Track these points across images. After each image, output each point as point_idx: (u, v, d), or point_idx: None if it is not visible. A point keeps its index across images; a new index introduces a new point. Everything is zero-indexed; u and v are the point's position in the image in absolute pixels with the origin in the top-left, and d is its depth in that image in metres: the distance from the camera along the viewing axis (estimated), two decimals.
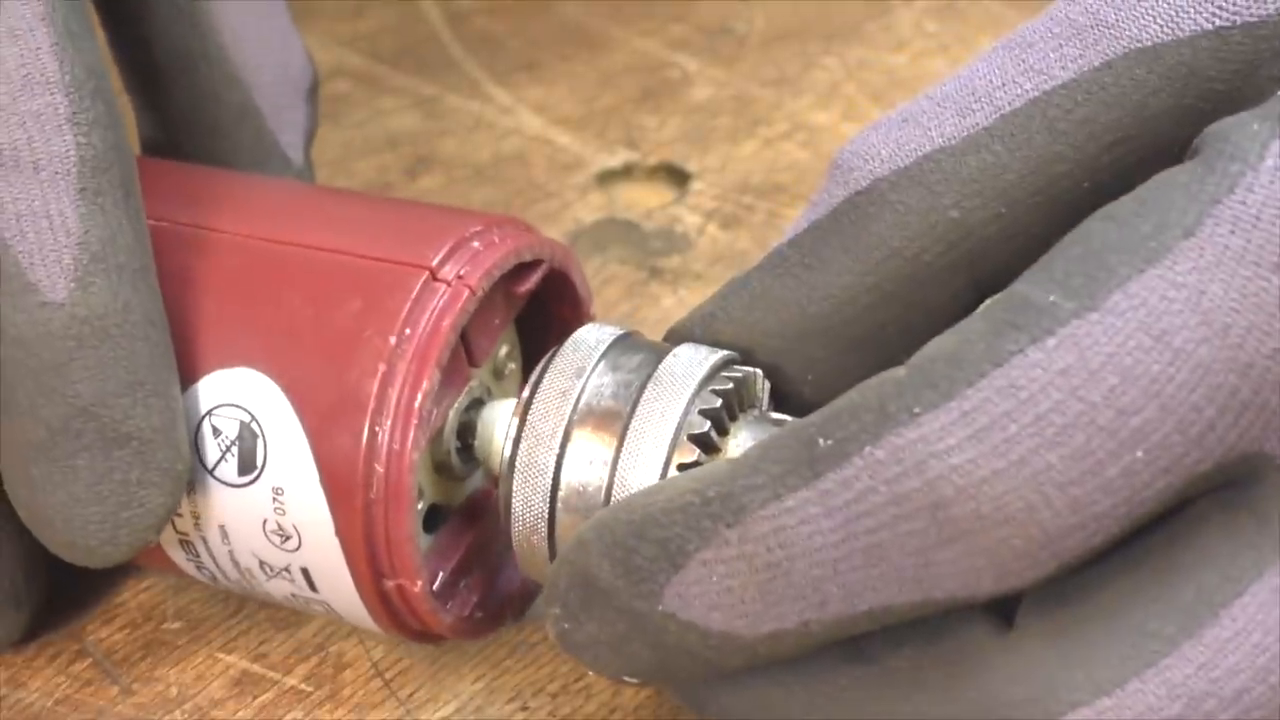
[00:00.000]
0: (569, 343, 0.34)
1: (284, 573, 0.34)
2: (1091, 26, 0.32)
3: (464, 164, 0.54)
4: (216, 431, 0.33)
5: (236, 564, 0.34)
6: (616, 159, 0.55)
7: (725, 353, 0.33)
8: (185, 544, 0.35)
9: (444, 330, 0.33)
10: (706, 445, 0.32)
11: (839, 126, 0.57)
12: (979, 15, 0.63)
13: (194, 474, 0.33)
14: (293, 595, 0.35)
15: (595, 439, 0.32)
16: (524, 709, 0.35)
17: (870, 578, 0.28)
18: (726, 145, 0.56)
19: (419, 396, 0.32)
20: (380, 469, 0.32)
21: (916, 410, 0.27)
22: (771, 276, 0.33)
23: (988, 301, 0.29)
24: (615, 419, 0.32)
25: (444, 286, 0.33)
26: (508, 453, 0.33)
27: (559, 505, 0.32)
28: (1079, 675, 0.28)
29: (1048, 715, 0.27)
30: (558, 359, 0.33)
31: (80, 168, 0.31)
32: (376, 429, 0.32)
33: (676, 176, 0.54)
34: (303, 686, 0.36)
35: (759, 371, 0.33)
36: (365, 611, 0.34)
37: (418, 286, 0.33)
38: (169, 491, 0.32)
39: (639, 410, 0.32)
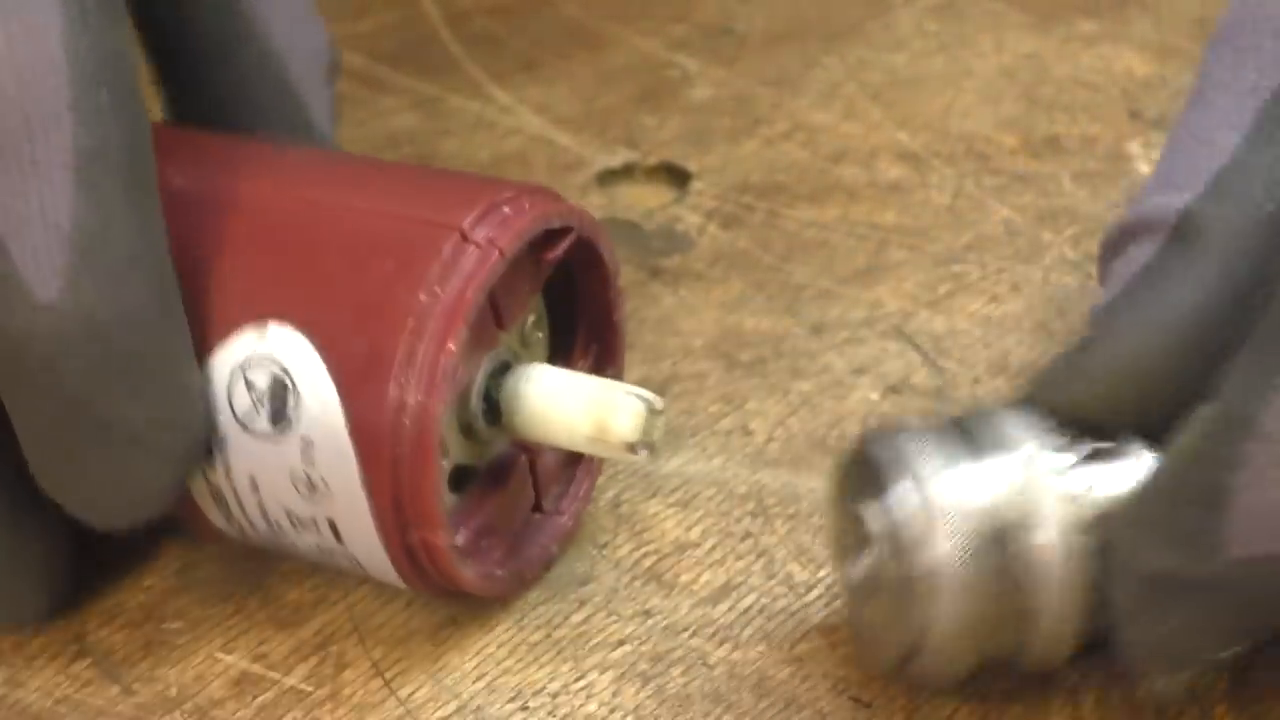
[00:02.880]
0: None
1: (312, 524, 0.35)
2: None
3: (464, 164, 0.54)
4: (250, 385, 0.34)
5: (266, 516, 0.35)
6: (617, 159, 0.55)
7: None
8: (217, 496, 0.35)
9: (472, 290, 0.33)
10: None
11: (839, 126, 0.57)
12: (979, 15, 0.63)
13: (226, 425, 0.34)
14: (319, 548, 0.35)
15: None
16: (524, 709, 0.35)
17: None
18: (727, 145, 0.56)
19: (446, 353, 0.33)
20: (407, 423, 0.33)
21: None
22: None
23: None
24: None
25: (474, 248, 0.34)
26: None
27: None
28: None
29: None
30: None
31: (78, 159, 0.30)
32: (404, 383, 0.33)
33: (677, 176, 0.54)
34: (303, 686, 0.36)
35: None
36: (390, 565, 0.35)
37: (449, 247, 0.34)
38: (170, 476, 0.33)
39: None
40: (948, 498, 0.32)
